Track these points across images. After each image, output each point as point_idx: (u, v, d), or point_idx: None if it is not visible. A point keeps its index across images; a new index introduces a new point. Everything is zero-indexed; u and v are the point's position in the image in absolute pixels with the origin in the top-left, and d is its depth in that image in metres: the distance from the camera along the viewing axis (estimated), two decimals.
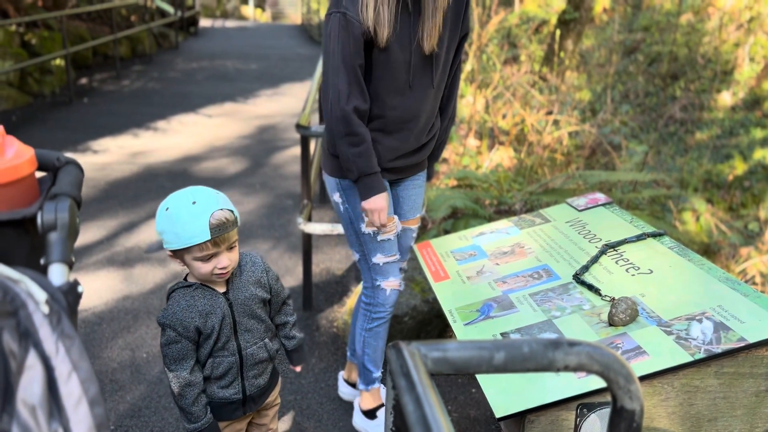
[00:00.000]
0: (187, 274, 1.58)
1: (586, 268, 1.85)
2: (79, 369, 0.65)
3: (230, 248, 1.48)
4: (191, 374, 1.52)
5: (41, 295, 0.67)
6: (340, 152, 1.85)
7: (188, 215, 1.40)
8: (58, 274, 0.80)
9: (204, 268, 1.46)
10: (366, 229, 1.99)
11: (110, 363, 2.68)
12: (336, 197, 2.01)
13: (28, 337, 0.63)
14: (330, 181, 2.01)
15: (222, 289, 1.54)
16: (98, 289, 3.29)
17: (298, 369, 1.79)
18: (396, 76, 1.83)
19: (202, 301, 1.51)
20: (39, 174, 0.92)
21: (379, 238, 2.00)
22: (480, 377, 1.52)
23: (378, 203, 1.88)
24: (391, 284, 2.07)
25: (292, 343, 1.74)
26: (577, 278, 1.81)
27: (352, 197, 1.97)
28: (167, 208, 1.44)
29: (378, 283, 2.07)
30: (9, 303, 0.63)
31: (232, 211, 1.46)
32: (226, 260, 1.47)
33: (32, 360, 0.62)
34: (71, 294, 0.75)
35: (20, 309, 0.64)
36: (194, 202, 1.42)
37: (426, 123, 1.95)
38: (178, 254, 1.47)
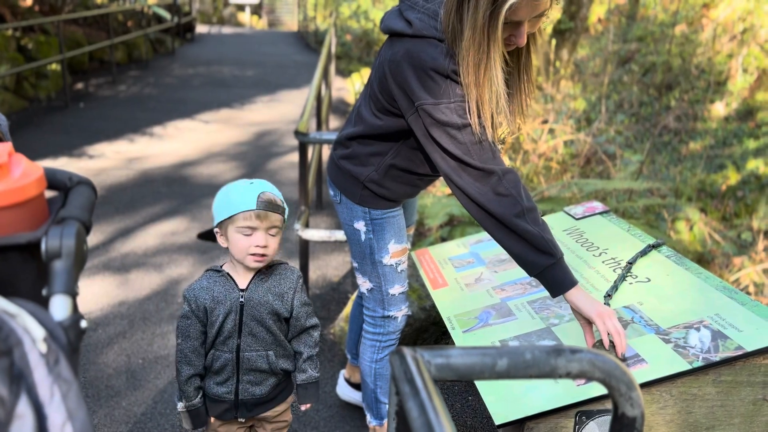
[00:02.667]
0: (222, 264, 1.62)
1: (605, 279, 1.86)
2: (75, 419, 0.60)
3: (271, 234, 1.52)
4: (193, 353, 1.56)
5: (39, 332, 0.62)
6: (524, 232, 1.48)
7: (242, 188, 1.52)
8: (60, 307, 0.73)
9: (242, 242, 1.50)
10: (391, 260, 1.88)
11: (105, 369, 2.67)
12: (358, 225, 1.86)
13: (21, 380, 0.58)
14: (354, 209, 1.85)
15: (243, 286, 1.57)
16: (94, 294, 3.28)
17: (303, 408, 1.68)
18: None
19: (219, 288, 1.56)
20: (50, 193, 0.87)
21: (400, 268, 1.92)
22: (479, 384, 1.53)
23: (608, 310, 1.48)
24: (403, 311, 2.01)
25: (300, 377, 1.66)
26: None
27: (379, 228, 1.85)
28: (226, 188, 1.56)
29: (390, 313, 1.98)
30: (3, 341, 0.58)
31: (282, 202, 1.55)
32: (263, 240, 1.50)
33: (23, 408, 0.57)
34: (73, 330, 0.69)
35: (15, 348, 0.59)
36: (251, 183, 1.54)
37: None
38: (224, 227, 1.53)
